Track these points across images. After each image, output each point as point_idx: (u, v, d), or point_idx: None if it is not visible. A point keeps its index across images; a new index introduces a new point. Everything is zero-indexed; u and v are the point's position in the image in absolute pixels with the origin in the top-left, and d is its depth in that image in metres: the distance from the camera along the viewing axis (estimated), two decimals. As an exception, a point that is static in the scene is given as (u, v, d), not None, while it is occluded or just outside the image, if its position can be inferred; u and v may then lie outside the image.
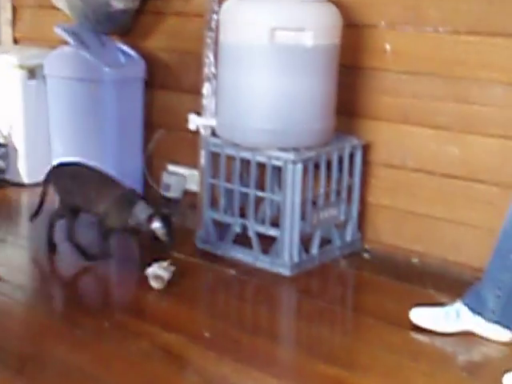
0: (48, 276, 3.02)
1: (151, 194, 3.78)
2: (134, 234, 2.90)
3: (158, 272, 2.70)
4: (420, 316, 2.48)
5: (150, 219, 2.72)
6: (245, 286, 2.86)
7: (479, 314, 2.41)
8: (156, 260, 2.73)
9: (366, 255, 3.12)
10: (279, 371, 2.22)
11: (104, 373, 2.16)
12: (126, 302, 2.75)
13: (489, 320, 2.40)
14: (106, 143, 3.68)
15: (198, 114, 3.29)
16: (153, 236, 2.74)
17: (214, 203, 3.16)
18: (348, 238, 3.15)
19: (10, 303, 2.64)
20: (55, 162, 3.26)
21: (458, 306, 2.46)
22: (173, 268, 2.72)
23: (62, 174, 3.06)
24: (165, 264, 2.73)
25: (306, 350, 2.36)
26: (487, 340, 2.41)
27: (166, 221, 2.75)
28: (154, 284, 2.70)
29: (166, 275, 2.70)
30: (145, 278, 2.77)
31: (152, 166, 3.87)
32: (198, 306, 2.70)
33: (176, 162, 3.78)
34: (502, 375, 2.14)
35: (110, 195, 2.89)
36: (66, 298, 2.80)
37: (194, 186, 3.60)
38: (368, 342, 2.43)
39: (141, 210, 2.76)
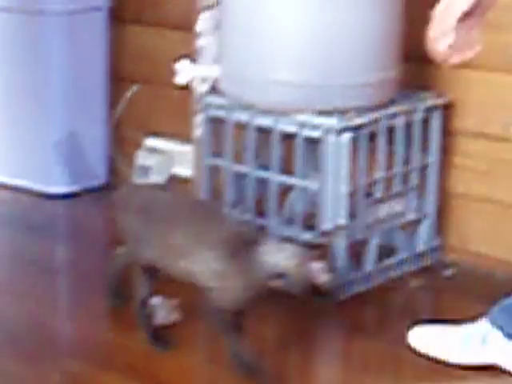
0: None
1: (121, 183, 3.81)
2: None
3: (157, 308, 2.70)
4: (428, 340, 2.57)
5: (299, 262, 2.31)
6: (266, 317, 2.82)
7: None
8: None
9: (447, 272, 3.13)
10: None
11: None
12: (88, 344, 2.74)
13: None
14: (52, 104, 3.75)
15: (191, 60, 3.33)
16: (304, 288, 2.35)
17: (216, 194, 3.17)
18: (421, 245, 3.16)
19: None
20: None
21: (485, 329, 2.49)
22: (175, 316, 2.76)
23: (127, 206, 2.68)
24: (169, 304, 2.77)
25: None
26: None
27: (322, 257, 2.44)
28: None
29: (160, 317, 2.71)
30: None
31: (122, 140, 3.93)
32: (201, 351, 2.75)
33: (158, 134, 3.83)
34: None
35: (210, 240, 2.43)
36: None
37: (185, 170, 3.65)
38: None
39: (275, 254, 2.33)
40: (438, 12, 2.28)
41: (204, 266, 2.38)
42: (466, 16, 2.26)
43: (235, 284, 2.35)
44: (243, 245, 2.37)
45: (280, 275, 2.29)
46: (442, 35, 2.29)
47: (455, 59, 2.30)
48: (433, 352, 2.53)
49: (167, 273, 2.51)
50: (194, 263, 2.40)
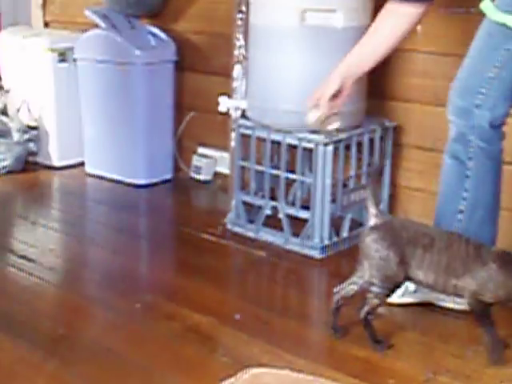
0: (79, 258, 3.02)
1: (182, 177, 3.83)
2: None
3: None
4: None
5: None
6: (275, 268, 2.83)
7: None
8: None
9: None
10: (309, 353, 2.21)
11: (135, 354, 2.17)
12: (158, 283, 2.74)
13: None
14: (137, 126, 3.69)
15: (229, 96, 3.28)
16: None
17: (244, 185, 3.15)
18: None
19: (41, 284, 2.65)
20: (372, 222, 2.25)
21: None
22: None
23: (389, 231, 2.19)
24: None
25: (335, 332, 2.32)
26: (444, 309, 2.43)
27: None
28: None
29: None
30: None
31: (182, 149, 3.87)
32: (229, 288, 2.71)
33: (206, 145, 3.78)
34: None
35: (482, 258, 2.09)
36: (97, 279, 2.79)
37: (224, 169, 3.61)
38: (399, 325, 2.40)
39: None
40: (315, 91, 2.42)
41: (479, 279, 2.05)
42: (334, 98, 2.38)
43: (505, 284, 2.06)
44: None
45: None
46: (314, 108, 2.40)
47: (320, 127, 2.48)
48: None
49: (433, 289, 2.18)
50: (468, 279, 2.06)
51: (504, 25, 2.14)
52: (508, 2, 2.16)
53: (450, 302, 2.42)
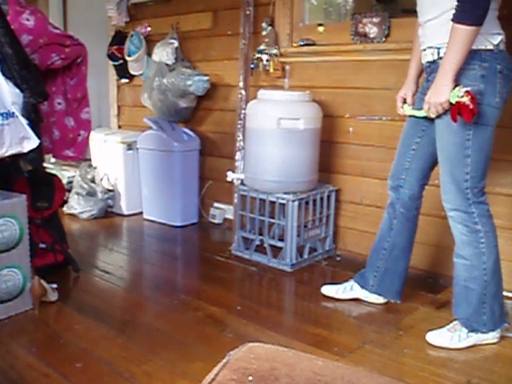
0: (139, 271, 2.99)
1: (203, 221, 3.81)
2: None
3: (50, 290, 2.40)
4: (328, 290, 2.49)
5: None
6: (262, 278, 2.81)
7: (364, 287, 2.41)
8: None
9: (337, 258, 3.09)
10: (284, 331, 2.20)
11: (174, 332, 2.16)
12: (188, 287, 2.71)
13: (370, 291, 2.40)
14: (176, 189, 3.67)
15: (233, 171, 3.30)
16: None
17: (242, 226, 3.14)
18: (326, 247, 3.11)
19: (115, 288, 2.65)
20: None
21: (351, 283, 2.45)
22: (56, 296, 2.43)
23: None
24: (53, 286, 2.46)
25: (300, 317, 2.35)
26: (369, 302, 2.43)
27: None
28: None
29: (52, 296, 2.40)
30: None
31: (204, 203, 3.84)
32: (233, 290, 2.68)
33: (219, 201, 3.76)
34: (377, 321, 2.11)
35: None
36: (150, 285, 2.77)
37: (230, 216, 3.59)
38: (340, 312, 2.39)
39: None
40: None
41: None
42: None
43: None
44: None
45: None
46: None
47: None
48: (329, 293, 2.49)
49: None
50: None
51: (414, 116, 2.12)
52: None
53: (372, 298, 2.43)
